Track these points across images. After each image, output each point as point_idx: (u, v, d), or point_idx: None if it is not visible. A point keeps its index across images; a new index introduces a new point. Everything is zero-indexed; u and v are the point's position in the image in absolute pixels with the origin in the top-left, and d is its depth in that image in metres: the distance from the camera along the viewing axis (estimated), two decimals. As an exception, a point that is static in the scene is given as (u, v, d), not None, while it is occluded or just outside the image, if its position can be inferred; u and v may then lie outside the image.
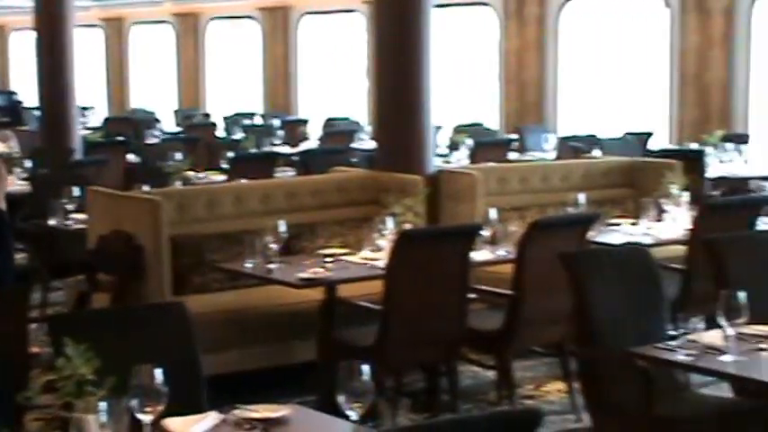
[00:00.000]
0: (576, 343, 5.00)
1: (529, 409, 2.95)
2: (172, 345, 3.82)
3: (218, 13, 19.52)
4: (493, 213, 6.43)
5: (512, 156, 11.37)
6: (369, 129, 12.87)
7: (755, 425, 4.61)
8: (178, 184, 8.67)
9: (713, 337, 4.30)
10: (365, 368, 3.33)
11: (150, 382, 3.23)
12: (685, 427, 4.57)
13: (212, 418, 3.45)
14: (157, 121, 16.44)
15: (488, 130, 13.74)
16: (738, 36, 12.16)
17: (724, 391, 5.23)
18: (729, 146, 10.51)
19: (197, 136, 13.01)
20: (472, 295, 5.87)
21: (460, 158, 10.86)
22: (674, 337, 4.38)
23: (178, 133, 14.73)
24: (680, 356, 4.21)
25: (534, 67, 14.42)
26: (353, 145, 12.49)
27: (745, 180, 10.18)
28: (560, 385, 6.27)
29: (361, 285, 5.87)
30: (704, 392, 5.76)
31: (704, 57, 12.42)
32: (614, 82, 13.97)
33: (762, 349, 4.23)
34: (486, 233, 6.23)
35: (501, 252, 6.22)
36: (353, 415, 3.32)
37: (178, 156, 9.99)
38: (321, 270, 5.79)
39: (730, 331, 4.16)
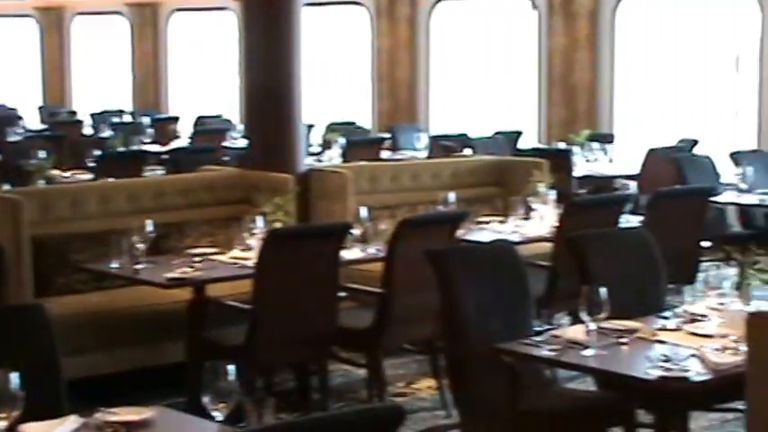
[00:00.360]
0: (444, 340, 5.06)
1: (393, 405, 2.97)
2: (30, 348, 3.74)
3: (83, 8, 19.19)
4: (364, 212, 6.47)
5: (384, 154, 11.44)
6: (241, 127, 12.80)
7: (617, 416, 4.72)
8: (41, 183, 8.51)
9: (576, 331, 4.41)
10: (230, 368, 3.32)
11: (4, 387, 3.16)
12: (551, 421, 4.65)
13: (71, 421, 3.39)
14: (20, 118, 16.06)
15: (361, 128, 13.79)
16: (603, 38, 12.42)
17: (589, 384, 5.35)
18: (595, 145, 10.73)
19: (62, 133, 12.74)
20: (342, 294, 5.91)
21: (333, 157, 10.88)
22: (539, 333, 4.48)
23: (42, 131, 14.39)
24: (544, 351, 4.29)
25: (406, 66, 14.52)
26: (225, 143, 12.41)
27: (610, 179, 10.42)
28: (430, 382, 6.34)
29: (231, 285, 5.85)
30: (570, 386, 5.90)
31: (570, 58, 12.66)
32: (485, 82, 14.14)
33: (622, 343, 4.34)
34: (356, 232, 6.26)
35: (371, 250, 6.25)
36: (219, 415, 3.31)
37: (42, 154, 9.77)
38: (190, 270, 5.76)
39: (592, 326, 4.27)
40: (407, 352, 6.54)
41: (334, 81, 15.82)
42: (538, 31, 13.05)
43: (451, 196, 7.23)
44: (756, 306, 4.63)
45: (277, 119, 7.66)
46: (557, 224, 6.69)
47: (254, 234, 6.10)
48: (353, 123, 13.78)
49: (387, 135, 12.73)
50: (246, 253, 6.01)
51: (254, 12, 7.84)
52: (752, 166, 8.90)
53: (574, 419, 4.72)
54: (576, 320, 4.47)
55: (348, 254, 6.01)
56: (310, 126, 12.06)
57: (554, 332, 4.39)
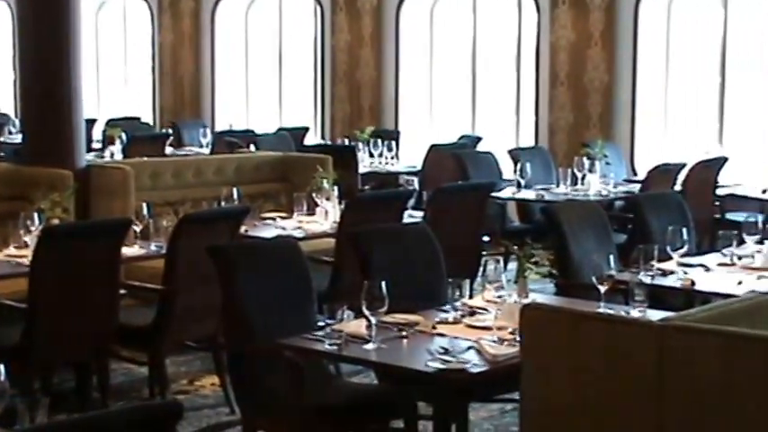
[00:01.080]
0: (226, 337, 5.04)
1: (170, 401, 2.94)
2: None
3: None
4: (145, 208, 6.38)
5: (168, 150, 11.31)
6: (18, 122, 12.42)
7: (399, 409, 4.80)
8: None
9: (358, 326, 4.46)
10: (1, 368, 3.21)
11: None
12: (334, 415, 4.68)
13: None
14: None
15: (145, 124, 13.59)
16: (387, 36, 12.59)
17: (372, 378, 5.42)
18: (379, 142, 10.87)
19: None
20: (123, 291, 5.82)
21: (114, 153, 10.67)
22: (322, 328, 4.51)
23: None
24: (326, 346, 4.34)
25: (190, 61, 14.38)
26: (2, 139, 12.03)
27: (394, 175, 10.57)
28: (213, 379, 6.31)
29: (7, 284, 5.68)
30: (353, 380, 5.96)
31: (356, 55, 12.77)
32: (271, 78, 14.13)
33: (402, 337, 4.42)
34: (137, 228, 6.18)
35: (152, 247, 6.18)
36: (-11, 417, 3.20)
37: None
38: (-39, 268, 5.56)
39: (373, 320, 4.32)
40: (190, 349, 6.48)
41: (117, 76, 15.56)
42: (321, 28, 13.12)
43: (235, 192, 7.19)
44: (533, 299, 4.77)
45: (54, 113, 7.44)
46: (340, 220, 6.75)
47: (30, 231, 5.93)
48: (138, 119, 13.57)
49: (170, 131, 12.59)
50: (22, 251, 5.84)
51: (28, 4, 7.60)
52: (530, 162, 9.18)
53: (356, 413, 4.78)
54: (359, 315, 4.51)
55: (129, 251, 5.92)
56: (92, 121, 11.80)
57: (336, 327, 4.42)
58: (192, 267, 5.63)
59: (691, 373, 3.25)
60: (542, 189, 9.00)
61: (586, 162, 9.07)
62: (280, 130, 12.02)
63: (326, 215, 7.19)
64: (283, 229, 6.91)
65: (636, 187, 9.02)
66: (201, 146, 11.69)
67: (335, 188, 7.41)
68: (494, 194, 8.23)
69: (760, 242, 5.99)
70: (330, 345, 4.32)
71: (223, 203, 7.10)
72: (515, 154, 9.76)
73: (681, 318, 3.50)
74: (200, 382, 6.53)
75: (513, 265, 5.05)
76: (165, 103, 14.69)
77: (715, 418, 3.18)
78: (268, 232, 6.71)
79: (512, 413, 5.92)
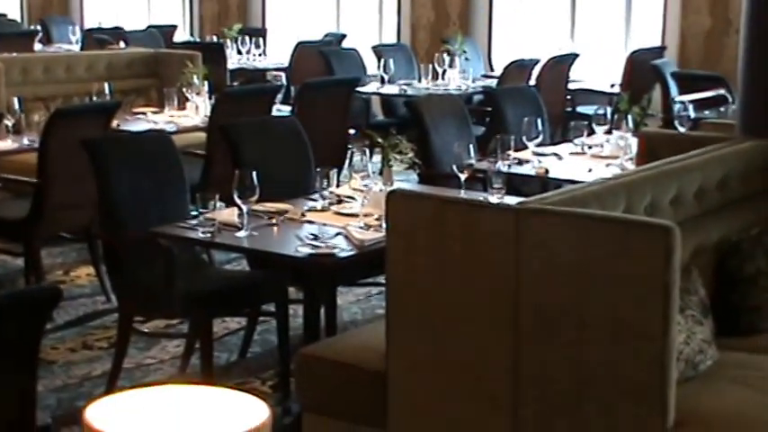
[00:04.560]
0: (101, 227, 5.15)
1: (48, 286, 3.03)
2: None
3: None
4: (16, 103, 6.41)
5: (37, 47, 11.17)
6: None
7: (270, 294, 4.98)
8: None
9: (230, 214, 4.61)
10: None
11: None
12: (207, 300, 4.80)
13: None
14: None
15: (12, 21, 13.33)
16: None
17: (245, 266, 5.60)
18: (247, 39, 10.91)
19: None
20: (-4, 185, 5.87)
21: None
22: (195, 217, 4.64)
23: None
24: (199, 234, 4.46)
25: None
26: None
27: (262, 71, 10.64)
28: (89, 269, 6.40)
29: None
30: (227, 267, 6.15)
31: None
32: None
33: (273, 224, 4.58)
34: (9, 122, 6.21)
35: (25, 141, 6.21)
36: None
37: None
38: None
39: (245, 209, 4.48)
40: (66, 240, 6.57)
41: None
42: None
43: (107, 87, 7.22)
44: (397, 186, 4.97)
45: None
46: (210, 114, 6.85)
47: None
48: (4, 15, 13.31)
49: (39, 28, 12.39)
50: None
51: None
52: (393, 58, 9.37)
53: (229, 298, 4.93)
54: (231, 205, 4.67)
55: (1, 144, 5.97)
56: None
57: (208, 215, 4.54)
58: (64, 161, 5.69)
59: (546, 253, 3.43)
60: (405, 84, 9.22)
61: (446, 58, 9.29)
62: (149, 27, 11.94)
63: (197, 110, 7.28)
64: (155, 123, 6.99)
65: (493, 82, 9.30)
66: (71, 43, 11.56)
67: (205, 84, 7.50)
68: (358, 89, 8.41)
69: (608, 132, 6.30)
70: (203, 232, 4.43)
71: (95, 98, 7.13)
72: (379, 51, 9.93)
73: (536, 201, 3.68)
74: (76, 272, 6.63)
75: (378, 158, 5.24)
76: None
77: (569, 293, 3.40)
78: (140, 126, 6.78)
79: (377, 297, 6.18)
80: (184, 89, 7.39)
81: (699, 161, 4.33)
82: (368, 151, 5.52)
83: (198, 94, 7.36)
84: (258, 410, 1.80)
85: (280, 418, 4.77)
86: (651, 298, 3.25)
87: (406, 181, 6.75)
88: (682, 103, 6.61)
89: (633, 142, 5.65)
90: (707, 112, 7.11)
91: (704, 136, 4.94)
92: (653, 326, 3.25)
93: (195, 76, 7.45)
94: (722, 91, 7.52)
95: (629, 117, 6.21)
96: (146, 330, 5.59)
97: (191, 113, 7.26)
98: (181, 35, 12.43)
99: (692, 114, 6.44)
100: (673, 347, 3.28)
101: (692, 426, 3.29)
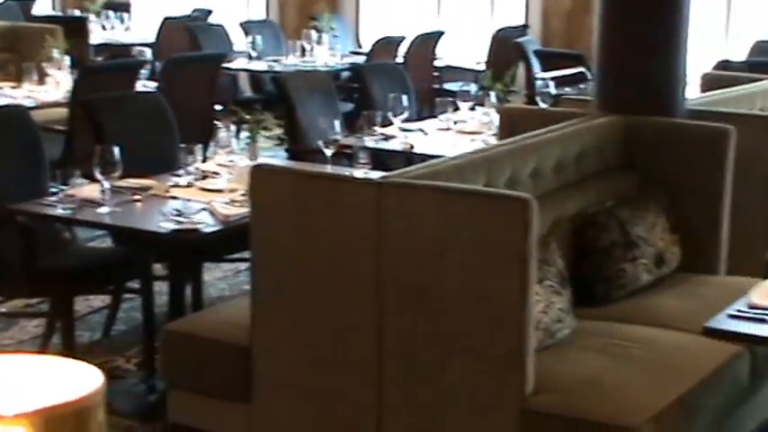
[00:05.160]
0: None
1: None
2: None
3: None
4: None
5: None
6: None
7: (134, 270, 4.95)
8: None
9: (91, 191, 4.55)
10: None
11: None
12: (70, 277, 4.75)
13: None
14: None
15: None
16: None
17: (109, 243, 5.53)
18: (111, 13, 10.75)
19: None
20: None
21: None
22: (55, 194, 4.57)
23: None
24: (59, 211, 4.40)
25: None
26: None
27: (126, 46, 10.48)
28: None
29: None
30: (91, 245, 6.06)
31: None
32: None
33: (136, 200, 4.54)
34: None
35: None
36: None
37: None
38: None
39: (107, 185, 4.43)
40: None
41: None
42: None
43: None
44: (262, 161, 4.98)
45: None
46: (72, 89, 6.75)
47: None
48: None
49: None
50: None
51: None
52: (260, 34, 9.34)
53: (92, 275, 4.88)
54: (93, 181, 4.61)
55: None
56: None
57: (69, 192, 4.48)
58: None
59: (407, 226, 3.48)
60: (273, 60, 9.19)
61: (315, 35, 9.30)
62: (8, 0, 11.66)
63: (58, 85, 7.16)
64: (13, 98, 6.86)
65: (361, 59, 9.34)
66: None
67: (67, 58, 7.38)
68: (226, 65, 8.37)
69: (472, 108, 6.40)
70: (63, 209, 4.38)
71: (-50, 73, 6.97)
72: (246, 27, 9.89)
73: (398, 175, 3.75)
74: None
75: (246, 134, 5.23)
76: None
77: (430, 265, 3.46)
78: (-4, 101, 6.66)
79: (245, 273, 6.14)
80: (44, 64, 7.26)
81: (557, 136, 4.43)
82: (234, 127, 5.52)
83: (59, 68, 7.23)
84: (91, 377, 1.79)
85: (145, 395, 4.75)
86: (509, 269, 3.33)
87: (275, 157, 6.75)
88: (543, 80, 6.74)
89: (496, 118, 5.74)
90: (567, 89, 7.26)
91: (563, 111, 5.04)
92: (511, 296, 3.33)
93: (56, 51, 7.32)
94: (582, 69, 7.68)
95: (493, 93, 6.31)
96: (3, 311, 5.48)
97: (51, 88, 7.14)
98: (41, 8, 12.17)
99: (553, 91, 6.57)
100: (531, 317, 3.36)
101: (549, 392, 3.38)
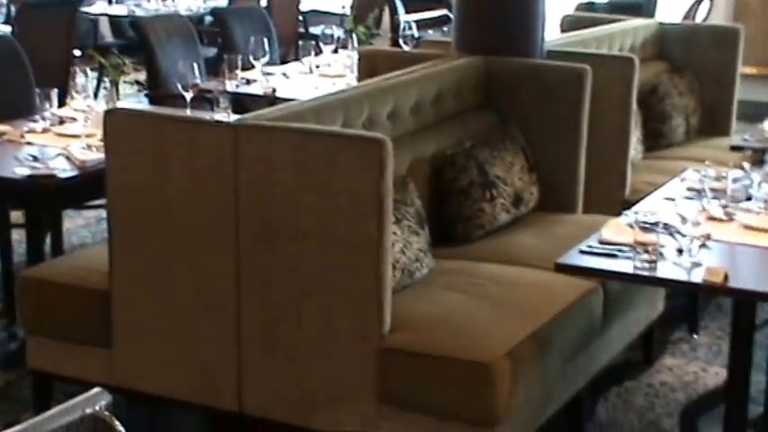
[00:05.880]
0: None
1: None
2: None
3: None
4: None
5: None
6: None
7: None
8: None
9: (-57, 136, 4.45)
10: None
11: None
12: None
13: None
14: None
15: None
16: None
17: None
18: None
19: None
20: None
21: None
22: None
23: None
24: None
25: None
26: None
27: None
28: None
29: None
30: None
31: None
32: None
33: (-11, 146, 4.47)
34: None
35: None
36: None
37: None
38: None
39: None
40: None
41: None
42: None
43: None
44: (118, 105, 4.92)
45: None
46: None
47: None
48: None
49: None
50: None
51: None
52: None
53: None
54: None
55: None
56: None
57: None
58: None
59: (264, 168, 3.47)
60: (134, 5, 9.05)
61: (176, -22, 9.19)
62: None
63: None
64: None
65: (223, 2, 9.25)
66: None
67: None
68: (85, 10, 8.20)
69: (335, 51, 6.39)
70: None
71: None
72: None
73: (254, 117, 3.74)
74: None
75: (106, 80, 5.16)
76: None
77: (287, 206, 3.45)
78: None
79: (107, 220, 6.10)
80: None
81: (415, 77, 4.45)
82: (94, 73, 5.44)
83: None
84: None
85: (5, 343, 4.69)
86: (366, 209, 3.35)
87: (138, 102, 6.67)
88: (407, 22, 6.75)
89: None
90: (430, 32, 7.30)
91: (422, 53, 5.07)
92: (368, 236, 3.36)
93: None
94: (445, 11, 7.72)
95: (355, 36, 6.30)
96: None
97: None
98: None
99: (416, 34, 6.59)
100: (387, 257, 3.40)
101: (406, 330, 3.43)
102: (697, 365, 4.64)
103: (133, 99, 6.98)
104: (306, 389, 3.51)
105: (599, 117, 4.84)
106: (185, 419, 4.07)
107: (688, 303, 5.00)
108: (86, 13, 8.38)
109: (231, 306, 3.59)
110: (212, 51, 8.05)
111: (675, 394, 4.38)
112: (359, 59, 5.27)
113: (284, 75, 6.13)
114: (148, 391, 3.80)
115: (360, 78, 5.15)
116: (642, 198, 3.98)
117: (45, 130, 4.72)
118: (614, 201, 4.94)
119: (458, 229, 4.29)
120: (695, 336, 4.93)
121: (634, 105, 5.13)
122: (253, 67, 6.02)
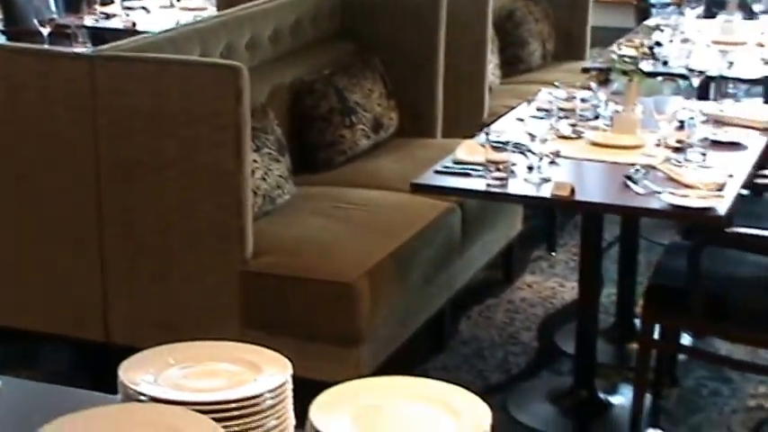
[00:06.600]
0: None
1: None
2: None
3: None
4: None
5: None
6: None
7: None
8: None
9: None
10: None
11: None
12: None
13: None
14: None
15: None
16: None
17: None
18: None
19: None
20: None
21: None
22: None
23: None
24: None
25: None
26: None
27: None
28: None
29: None
30: None
31: None
32: None
33: None
34: None
35: None
36: None
37: None
38: None
39: None
40: None
41: None
42: None
43: None
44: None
45: None
46: None
47: None
48: None
49: None
50: None
51: None
52: None
53: None
54: None
55: None
56: None
57: None
58: None
59: (122, 99, 3.46)
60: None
61: None
62: None
63: None
64: None
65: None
66: None
67: None
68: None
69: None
70: None
71: None
72: None
73: (111, 48, 3.74)
74: None
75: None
76: None
77: (146, 137, 3.47)
78: None
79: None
80: None
81: (272, 6, 4.48)
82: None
83: None
84: None
85: None
86: (224, 138, 3.40)
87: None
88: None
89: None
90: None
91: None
92: (227, 164, 3.41)
93: None
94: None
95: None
96: None
97: None
98: None
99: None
100: (247, 184, 3.45)
101: (269, 254, 3.50)
102: (555, 281, 4.81)
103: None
104: (171, 316, 3.56)
105: (456, 42, 4.92)
106: (53, 353, 4.09)
107: (546, 222, 5.16)
108: None
109: (93, 238, 3.61)
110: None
111: (534, 309, 4.54)
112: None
113: (144, 9, 6.09)
114: (14, 326, 3.81)
115: (219, 9, 5.15)
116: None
117: None
118: (473, 125, 5.04)
119: (320, 155, 4.36)
120: (553, 253, 5.10)
121: (490, 30, 5.23)
122: (112, 1, 5.97)
